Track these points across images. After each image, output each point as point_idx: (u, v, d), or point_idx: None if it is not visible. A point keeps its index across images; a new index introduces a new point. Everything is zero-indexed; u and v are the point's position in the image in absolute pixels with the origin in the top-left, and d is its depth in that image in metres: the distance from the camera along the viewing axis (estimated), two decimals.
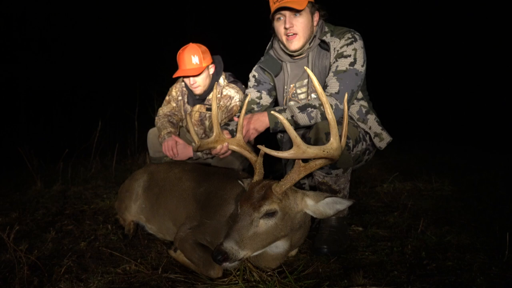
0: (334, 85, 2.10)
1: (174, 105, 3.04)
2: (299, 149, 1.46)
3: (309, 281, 1.59)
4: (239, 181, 1.85)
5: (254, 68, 2.50)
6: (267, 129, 2.17)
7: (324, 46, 2.24)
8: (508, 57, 7.99)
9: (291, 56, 2.31)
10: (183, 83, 2.98)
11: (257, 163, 1.71)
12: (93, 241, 2.25)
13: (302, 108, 2.08)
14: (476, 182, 3.25)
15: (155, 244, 2.21)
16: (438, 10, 9.68)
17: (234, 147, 1.87)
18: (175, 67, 2.75)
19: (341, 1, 6.67)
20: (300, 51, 2.24)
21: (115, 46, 10.30)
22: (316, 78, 1.48)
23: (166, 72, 3.36)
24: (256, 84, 2.45)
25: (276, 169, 3.84)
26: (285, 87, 2.39)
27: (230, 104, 2.77)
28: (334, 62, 2.17)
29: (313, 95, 2.30)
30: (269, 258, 1.67)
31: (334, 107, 2.04)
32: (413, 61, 9.82)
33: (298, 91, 2.36)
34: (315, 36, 2.24)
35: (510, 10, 8.01)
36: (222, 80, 2.88)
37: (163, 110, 3.02)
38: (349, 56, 2.13)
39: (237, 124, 1.94)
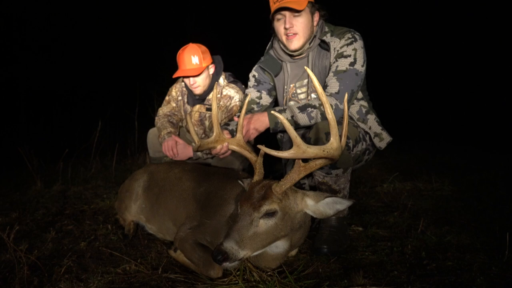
0: (334, 85, 2.10)
1: (174, 105, 3.04)
2: (299, 149, 1.46)
3: (309, 281, 1.59)
4: (239, 181, 1.85)
5: (254, 68, 2.50)
6: (267, 129, 2.17)
7: (324, 46, 2.24)
8: (508, 57, 7.99)
9: (291, 56, 2.31)
10: (183, 83, 2.98)
11: (257, 163, 1.71)
12: (93, 241, 2.25)
13: (302, 108, 2.08)
14: (476, 182, 3.25)
15: (155, 244, 2.21)
16: (438, 10, 9.69)
17: (234, 147, 1.87)
18: (175, 67, 2.75)
19: (341, 1, 6.68)
20: (300, 51, 2.24)
21: (115, 46, 10.31)
22: (316, 78, 1.48)
23: (166, 72, 3.36)
24: (256, 84, 2.45)
25: (276, 169, 3.85)
26: (285, 87, 2.38)
27: (230, 104, 2.77)
28: (334, 62, 2.17)
29: (313, 95, 2.30)
30: (269, 258, 1.67)
31: (334, 107, 2.04)
32: (413, 61, 9.83)
33: (298, 91, 2.36)
34: (315, 36, 2.24)
35: (510, 10, 8.01)
36: (222, 80, 2.88)
37: (163, 110, 3.02)
38: (349, 56, 2.13)
39: (237, 124, 1.94)
